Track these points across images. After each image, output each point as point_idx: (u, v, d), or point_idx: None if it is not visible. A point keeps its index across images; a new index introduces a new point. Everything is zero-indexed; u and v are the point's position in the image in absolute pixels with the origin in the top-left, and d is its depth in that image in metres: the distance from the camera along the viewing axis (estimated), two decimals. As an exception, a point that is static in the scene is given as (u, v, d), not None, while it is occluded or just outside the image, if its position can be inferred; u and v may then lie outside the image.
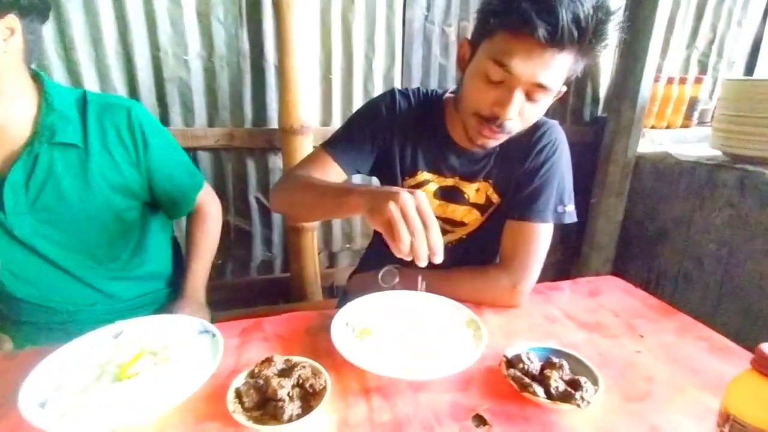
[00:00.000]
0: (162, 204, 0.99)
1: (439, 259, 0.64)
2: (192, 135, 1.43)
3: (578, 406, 0.59)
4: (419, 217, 0.63)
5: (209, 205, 1.07)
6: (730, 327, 1.48)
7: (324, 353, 0.71)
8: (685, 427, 0.60)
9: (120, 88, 1.37)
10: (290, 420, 0.57)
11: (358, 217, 1.78)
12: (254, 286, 1.73)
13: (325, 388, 0.62)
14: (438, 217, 1.01)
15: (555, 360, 0.67)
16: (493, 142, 0.87)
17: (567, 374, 0.66)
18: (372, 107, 0.99)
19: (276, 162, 1.61)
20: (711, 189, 1.57)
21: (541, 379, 0.64)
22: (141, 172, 0.90)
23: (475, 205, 1.00)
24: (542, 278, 1.01)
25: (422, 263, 0.63)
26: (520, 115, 0.80)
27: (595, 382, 0.64)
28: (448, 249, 1.04)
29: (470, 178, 0.98)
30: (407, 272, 0.95)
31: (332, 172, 0.95)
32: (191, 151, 1.49)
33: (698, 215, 1.63)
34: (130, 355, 0.67)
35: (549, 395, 0.62)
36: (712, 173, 1.58)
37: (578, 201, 2.15)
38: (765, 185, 1.40)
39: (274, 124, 1.54)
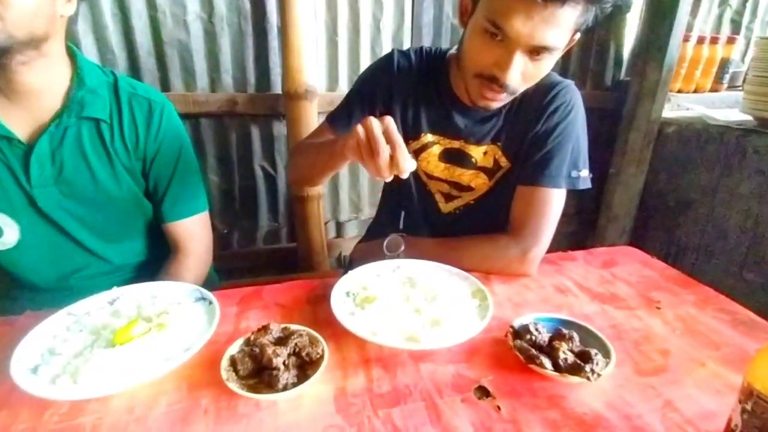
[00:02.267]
0: (151, 201, 0.95)
1: (405, 174, 0.66)
2: (194, 101, 1.39)
3: (588, 378, 0.56)
4: (384, 137, 0.64)
5: (198, 241, 0.97)
6: (753, 302, 1.42)
7: (324, 322, 0.69)
8: (702, 403, 0.56)
9: (118, 51, 1.33)
10: (285, 389, 0.55)
11: (366, 186, 1.74)
12: (261, 256, 1.72)
13: (322, 357, 0.60)
14: (444, 180, 0.98)
15: (565, 331, 0.64)
16: (497, 104, 0.82)
17: (577, 346, 0.62)
18: (369, 74, 0.97)
19: (281, 129, 1.57)
20: (740, 156, 1.48)
21: (549, 351, 0.61)
22: (145, 165, 0.89)
23: (482, 169, 0.96)
24: (557, 250, 0.97)
25: (385, 176, 0.66)
26: (523, 75, 0.75)
27: (606, 354, 0.60)
28: (455, 215, 1.02)
29: (477, 140, 0.94)
30: (413, 240, 0.92)
31: None
32: (193, 118, 1.46)
33: (724, 184, 1.54)
34: (125, 321, 0.65)
35: (557, 367, 0.59)
36: (741, 139, 1.48)
37: (596, 171, 2.07)
38: (799, 151, 1.32)
39: (278, 89, 1.49)
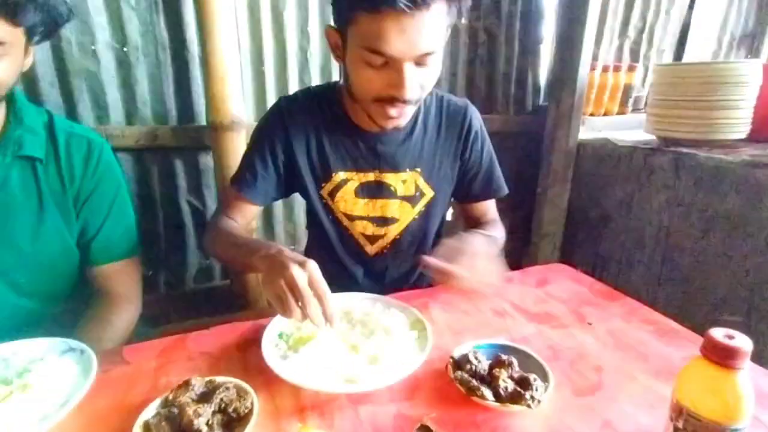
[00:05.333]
0: (80, 243, 0.89)
1: (332, 325, 0.65)
2: (107, 134, 1.27)
3: (529, 406, 0.55)
4: (312, 289, 0.62)
5: (130, 285, 0.93)
6: (672, 307, 1.53)
7: (255, 370, 0.64)
8: (637, 419, 0.57)
9: (17, 83, 1.20)
10: (208, 454, 0.49)
11: (301, 216, 1.69)
12: (192, 297, 1.60)
13: (251, 411, 0.54)
14: (366, 218, 0.96)
15: (504, 357, 0.63)
16: (404, 120, 0.82)
17: (516, 372, 0.62)
18: (262, 128, 0.92)
19: (207, 161, 1.48)
20: (648, 173, 1.61)
21: (490, 380, 0.60)
22: (76, 205, 0.85)
23: (405, 198, 0.96)
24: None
25: (320, 327, 0.64)
26: (419, 84, 0.75)
27: (545, 378, 0.60)
28: (383, 256, 1.00)
29: (394, 168, 0.93)
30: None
31: (246, 210, 0.94)
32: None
33: (637, 199, 1.67)
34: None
35: (498, 397, 0.57)
36: (648, 157, 1.62)
37: (525, 190, 2.15)
38: (698, 166, 1.45)
39: (202, 120, 1.42)
